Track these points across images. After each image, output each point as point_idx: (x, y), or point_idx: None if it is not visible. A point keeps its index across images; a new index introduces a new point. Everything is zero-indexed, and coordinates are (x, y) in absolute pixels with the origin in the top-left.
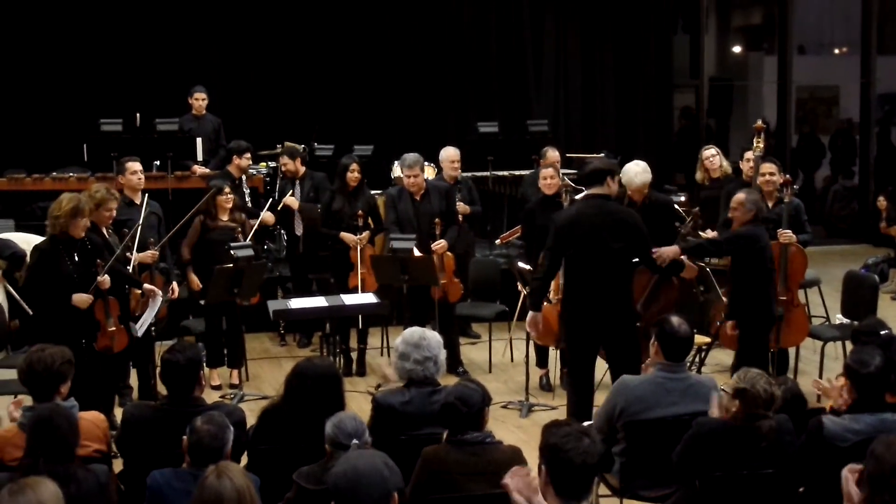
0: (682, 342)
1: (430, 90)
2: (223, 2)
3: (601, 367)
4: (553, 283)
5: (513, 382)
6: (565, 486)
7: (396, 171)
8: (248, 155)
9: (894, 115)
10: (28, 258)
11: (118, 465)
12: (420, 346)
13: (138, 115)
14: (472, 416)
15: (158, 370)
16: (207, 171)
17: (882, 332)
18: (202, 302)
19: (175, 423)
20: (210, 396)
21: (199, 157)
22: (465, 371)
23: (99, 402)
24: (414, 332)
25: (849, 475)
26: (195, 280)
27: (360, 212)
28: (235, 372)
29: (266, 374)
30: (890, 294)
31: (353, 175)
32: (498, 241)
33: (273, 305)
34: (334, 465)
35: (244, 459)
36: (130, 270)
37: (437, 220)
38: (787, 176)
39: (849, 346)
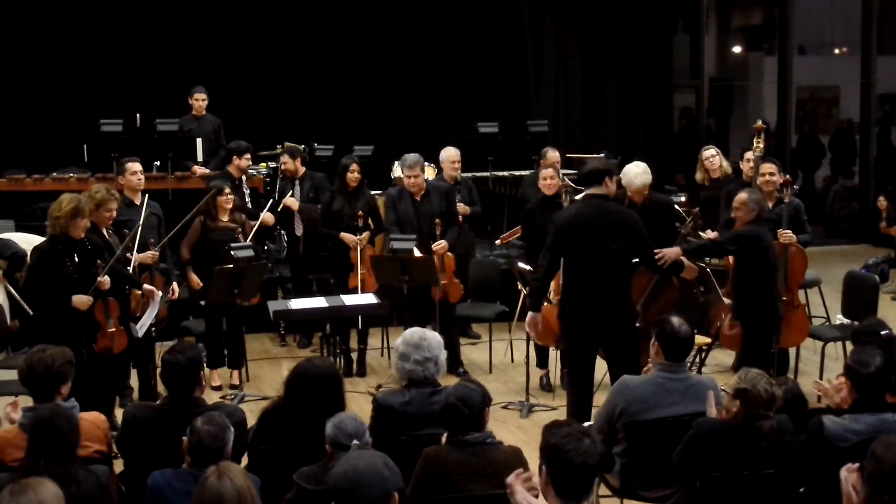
0: (682, 342)
1: (430, 90)
2: (223, 2)
3: (601, 367)
4: (553, 284)
5: (513, 383)
6: (566, 486)
7: (396, 171)
8: (248, 155)
9: (894, 115)
10: (28, 258)
11: (119, 465)
12: (420, 346)
13: (138, 115)
14: (472, 416)
15: (159, 371)
16: (207, 171)
17: (882, 333)
18: (202, 302)
19: (175, 424)
20: (210, 397)
21: (200, 157)
22: (466, 371)
23: (99, 403)
24: (414, 332)
25: (847, 475)
26: (195, 279)
27: (360, 212)
28: (236, 372)
29: (266, 374)
30: (890, 294)
31: (353, 175)
32: (498, 242)
33: (273, 306)
34: (335, 466)
35: (244, 460)
36: (131, 271)
37: (437, 220)
38: (787, 176)
39: (849, 346)
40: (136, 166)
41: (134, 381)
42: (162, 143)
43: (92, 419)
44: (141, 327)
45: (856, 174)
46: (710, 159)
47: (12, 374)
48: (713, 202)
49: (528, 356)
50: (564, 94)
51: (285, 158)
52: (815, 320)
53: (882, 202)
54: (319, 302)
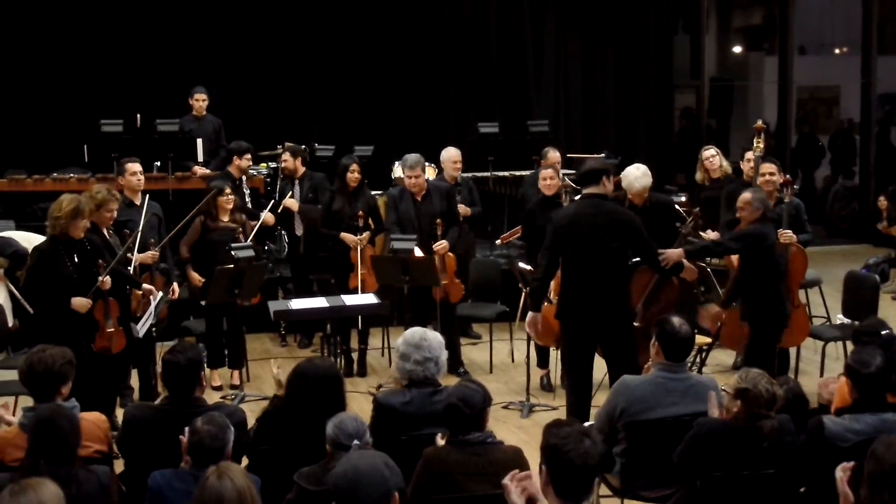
0: (682, 342)
1: (430, 90)
2: (223, 2)
3: (601, 367)
4: (553, 283)
5: (513, 383)
6: (565, 486)
7: (397, 171)
8: (249, 156)
9: (895, 115)
10: (28, 258)
11: (119, 465)
12: (421, 346)
13: (139, 115)
14: (473, 416)
15: (159, 371)
16: (208, 171)
17: (883, 332)
18: (203, 303)
19: (176, 424)
20: (211, 397)
21: (200, 157)
22: (466, 371)
23: (100, 403)
24: (415, 332)
25: (842, 474)
26: (196, 277)
27: (360, 212)
28: (236, 373)
29: (267, 374)
30: (890, 294)
31: (354, 175)
32: (498, 242)
33: (274, 306)
34: (335, 466)
35: (245, 460)
36: (131, 271)
37: (438, 220)
38: (788, 176)
39: (850, 346)
40: (135, 167)
41: (134, 381)
42: (162, 144)
43: (92, 419)
44: (141, 327)
45: (856, 174)
46: (710, 159)
47: (13, 375)
48: (713, 202)
49: (528, 356)
50: (565, 94)
51: (286, 157)
52: (815, 320)
53: (882, 202)
54: (320, 302)
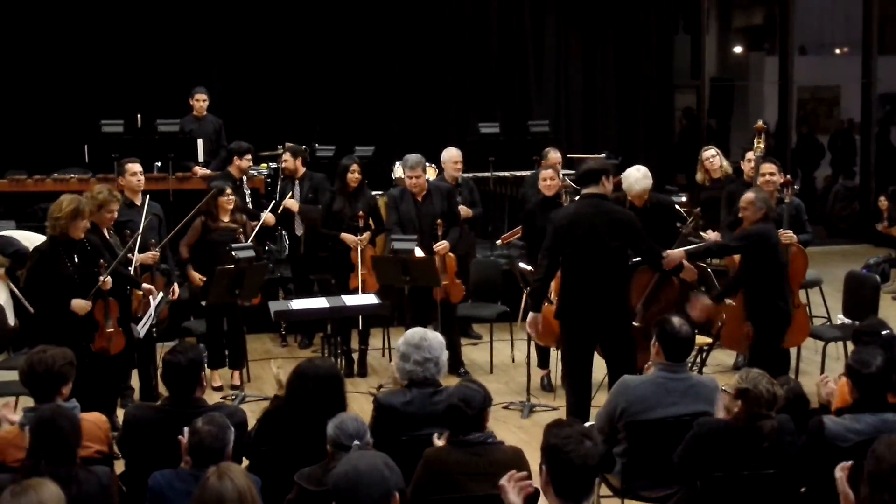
0: (682, 343)
1: (430, 91)
2: (224, 3)
3: (602, 367)
4: (553, 283)
5: (514, 383)
6: (566, 487)
7: (397, 171)
8: (249, 156)
9: (895, 115)
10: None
11: (120, 465)
12: (421, 347)
13: (139, 116)
14: (474, 417)
15: (160, 371)
16: (208, 172)
17: (883, 333)
18: (203, 303)
19: (176, 424)
20: (211, 397)
21: (200, 158)
22: (467, 372)
23: (101, 403)
24: (415, 332)
25: (841, 473)
26: (196, 276)
27: (360, 213)
28: (237, 373)
29: (267, 375)
30: (891, 294)
31: (354, 176)
32: (499, 242)
33: (274, 306)
34: (335, 466)
35: (245, 460)
36: (132, 272)
37: (438, 220)
38: (788, 176)
39: (850, 346)
40: (135, 167)
41: (135, 381)
42: (163, 144)
43: (93, 420)
44: (142, 328)
45: (857, 174)
46: (711, 160)
47: (13, 375)
48: (714, 202)
49: (528, 356)
50: (565, 94)
51: (286, 157)
52: (815, 320)
53: (883, 202)
54: (320, 302)
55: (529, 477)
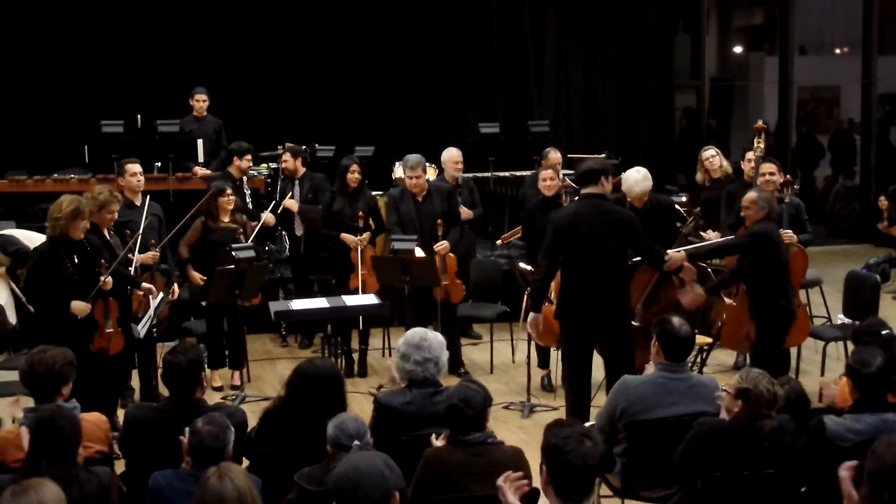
0: (682, 342)
1: (431, 91)
2: (224, 3)
3: (602, 367)
4: (554, 283)
5: (514, 383)
6: (566, 487)
7: (397, 171)
8: (249, 156)
9: (895, 115)
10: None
11: (120, 466)
12: (421, 347)
13: (139, 116)
14: (474, 417)
15: (160, 371)
16: (208, 172)
17: (883, 332)
18: (203, 303)
19: (177, 425)
20: (211, 398)
21: (201, 158)
22: (467, 372)
23: (101, 404)
24: (416, 333)
25: (846, 474)
26: (196, 276)
27: (360, 213)
28: (237, 373)
29: (267, 375)
30: (891, 294)
31: (354, 176)
32: (499, 242)
33: (274, 306)
34: (336, 466)
35: (246, 460)
36: (132, 272)
37: (439, 221)
38: (788, 176)
39: (850, 346)
40: (135, 167)
41: (135, 381)
42: (163, 144)
43: (93, 420)
44: (142, 328)
45: (857, 174)
46: (710, 160)
47: (14, 375)
48: (714, 202)
49: (529, 356)
50: (565, 94)
51: (286, 157)
52: (816, 320)
53: (883, 202)
54: (321, 302)
55: (527, 477)
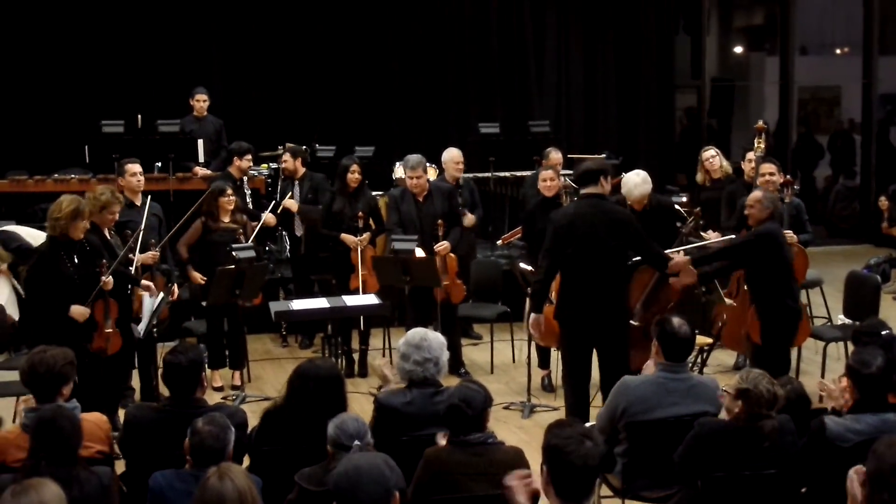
0: (682, 343)
1: (431, 91)
2: (225, 3)
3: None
4: (554, 283)
5: (514, 383)
6: (566, 487)
7: (398, 172)
8: (249, 156)
9: (895, 116)
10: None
11: (120, 466)
12: (420, 347)
13: (140, 116)
14: (475, 417)
15: (160, 371)
16: (209, 172)
17: (883, 333)
18: (204, 303)
19: (177, 425)
20: (212, 398)
21: (201, 158)
22: (467, 372)
23: (101, 404)
24: (416, 333)
25: (854, 476)
26: (197, 276)
27: (360, 213)
28: (237, 373)
29: (268, 375)
30: (891, 294)
31: (354, 176)
32: (499, 242)
33: (275, 307)
34: (336, 466)
35: (246, 461)
36: (133, 272)
37: (439, 221)
38: (788, 176)
39: (851, 346)
40: (135, 167)
41: (136, 381)
42: (163, 144)
43: (93, 420)
44: (141, 328)
45: (857, 174)
46: (710, 160)
47: (14, 375)
48: (714, 203)
49: (529, 356)
50: (566, 94)
51: (286, 157)
52: (816, 320)
53: (883, 202)
54: (321, 302)
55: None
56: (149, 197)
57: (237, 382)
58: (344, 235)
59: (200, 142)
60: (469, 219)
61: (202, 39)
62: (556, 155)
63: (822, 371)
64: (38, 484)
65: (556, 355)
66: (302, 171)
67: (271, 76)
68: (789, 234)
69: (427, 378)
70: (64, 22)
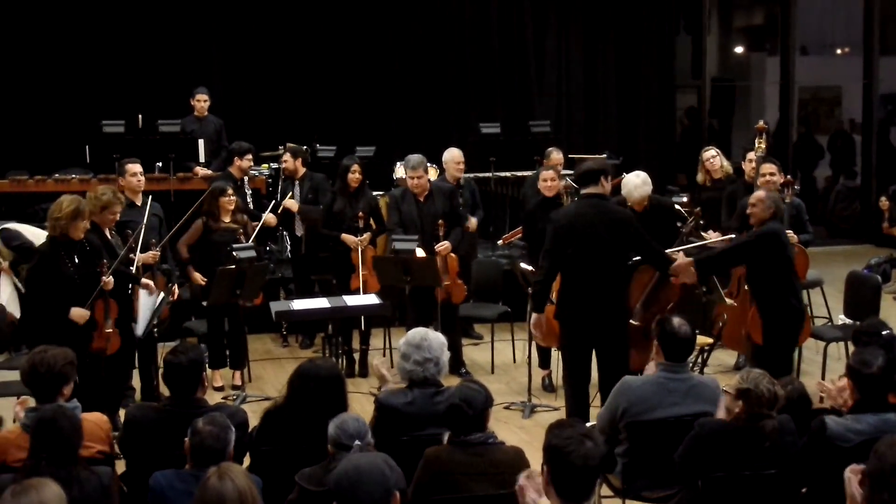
0: (682, 342)
1: (432, 91)
2: (225, 3)
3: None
4: (555, 283)
5: (515, 383)
6: (567, 487)
7: (398, 172)
8: (250, 156)
9: (895, 116)
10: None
11: (121, 466)
12: (421, 347)
13: (140, 116)
14: (475, 417)
15: (161, 371)
16: (209, 172)
17: (883, 333)
18: (204, 303)
19: (177, 425)
20: (212, 398)
21: (202, 158)
22: (468, 372)
23: (102, 404)
24: (417, 332)
25: (851, 476)
26: (197, 276)
27: (360, 213)
28: (238, 373)
29: (268, 375)
30: (892, 294)
31: (355, 176)
32: (500, 242)
33: (275, 306)
34: (336, 466)
35: (246, 460)
36: (134, 271)
37: (440, 221)
38: (788, 176)
39: (851, 346)
40: (135, 167)
41: (136, 381)
42: (164, 144)
43: (94, 420)
44: (141, 327)
45: (858, 174)
46: (711, 160)
47: (14, 375)
48: (715, 203)
49: (529, 356)
50: (566, 94)
51: (287, 157)
52: (817, 320)
53: (884, 202)
54: (322, 302)
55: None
56: (149, 197)
57: (238, 382)
58: (344, 235)
59: (201, 142)
60: (471, 223)
61: (202, 39)
62: (557, 155)
63: (823, 371)
64: (38, 484)
65: (556, 355)
66: (302, 171)
67: (271, 76)
68: (790, 234)
69: (427, 378)
70: (64, 22)
